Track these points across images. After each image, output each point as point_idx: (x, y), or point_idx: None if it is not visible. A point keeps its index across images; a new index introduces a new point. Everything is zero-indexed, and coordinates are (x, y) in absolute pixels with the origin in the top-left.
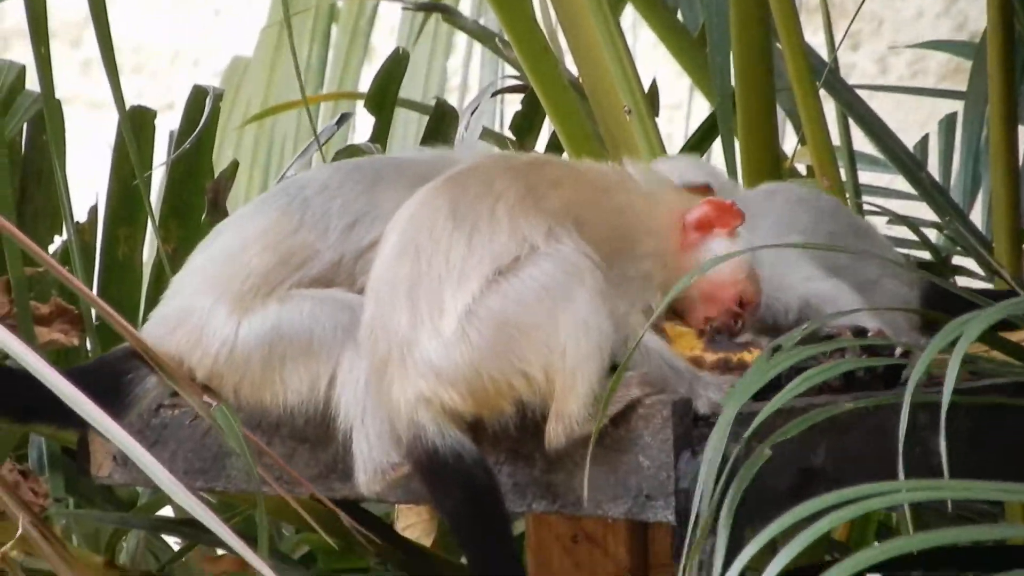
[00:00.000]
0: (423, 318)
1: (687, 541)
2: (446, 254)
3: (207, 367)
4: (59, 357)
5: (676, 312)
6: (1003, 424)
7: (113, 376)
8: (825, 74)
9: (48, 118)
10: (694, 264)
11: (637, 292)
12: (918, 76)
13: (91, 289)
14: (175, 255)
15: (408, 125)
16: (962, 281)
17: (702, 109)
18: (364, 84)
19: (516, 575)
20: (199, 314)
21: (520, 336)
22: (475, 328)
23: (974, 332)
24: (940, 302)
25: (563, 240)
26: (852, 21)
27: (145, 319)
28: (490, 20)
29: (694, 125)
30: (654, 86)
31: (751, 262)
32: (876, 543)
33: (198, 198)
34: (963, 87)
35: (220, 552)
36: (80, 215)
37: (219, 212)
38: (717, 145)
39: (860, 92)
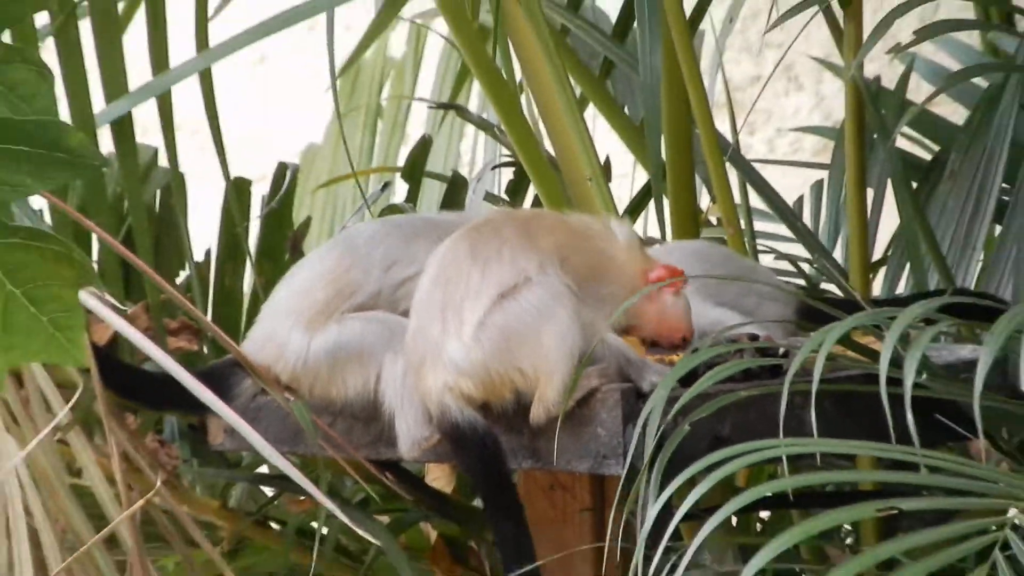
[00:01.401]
0: (449, 329)
1: (631, 487)
2: (466, 283)
3: (288, 372)
4: (184, 360)
5: (638, 341)
6: (855, 403)
7: (222, 377)
8: (729, 152)
9: (174, 186)
10: (649, 305)
11: (602, 309)
12: (797, 153)
13: (206, 312)
14: (266, 286)
15: (432, 190)
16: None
17: (641, 177)
18: (400, 160)
19: (515, 510)
20: (281, 334)
21: (517, 343)
22: (485, 336)
23: (834, 337)
24: (812, 317)
25: (549, 272)
26: (748, 113)
27: (245, 334)
28: (490, 115)
29: (636, 189)
30: (607, 160)
31: (690, 313)
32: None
33: (282, 244)
34: (828, 161)
35: (301, 497)
36: (198, 256)
37: (297, 254)
38: (652, 203)
39: (756, 164)
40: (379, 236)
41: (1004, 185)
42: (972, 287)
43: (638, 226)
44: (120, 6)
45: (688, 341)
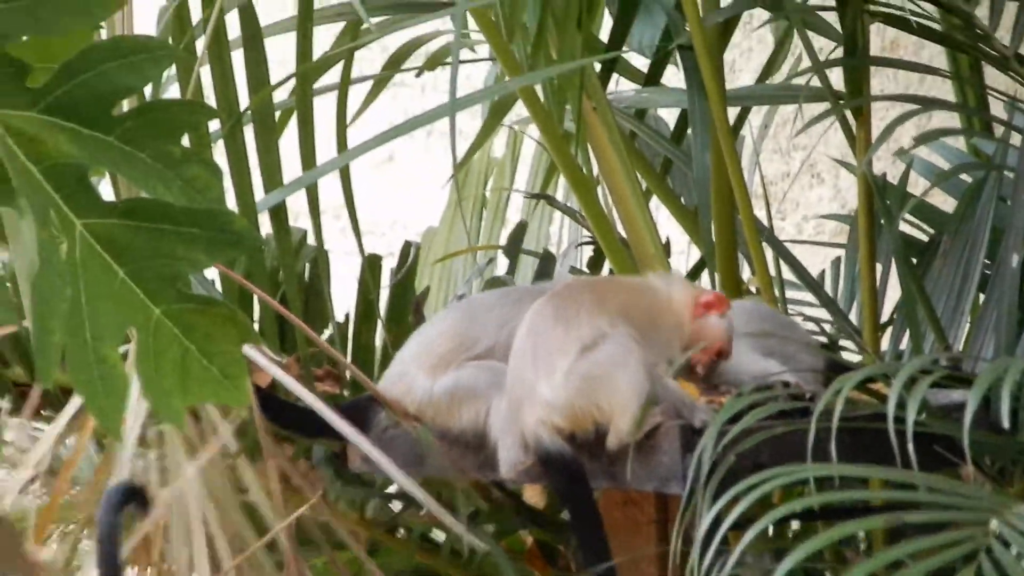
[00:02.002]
0: (540, 374)
1: (689, 503)
2: (553, 337)
3: (415, 407)
4: (327, 400)
5: (693, 387)
6: (867, 436)
7: (360, 411)
8: (766, 234)
9: (320, 261)
10: (698, 331)
11: (663, 352)
12: (819, 235)
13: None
14: (394, 342)
15: (527, 265)
16: (845, 355)
17: (695, 254)
18: (502, 240)
19: (595, 521)
20: (410, 377)
21: (596, 385)
22: (571, 381)
23: (851, 384)
24: (834, 368)
25: (619, 328)
26: (780, 203)
27: (378, 379)
28: (573, 203)
29: (691, 263)
30: (668, 240)
31: (731, 333)
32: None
33: (407, 308)
34: (844, 241)
35: (423, 511)
36: (339, 318)
37: (419, 316)
38: (704, 275)
39: (787, 244)
40: (493, 302)
41: (986, 261)
42: (961, 345)
43: None
44: (276, 115)
45: (724, 354)
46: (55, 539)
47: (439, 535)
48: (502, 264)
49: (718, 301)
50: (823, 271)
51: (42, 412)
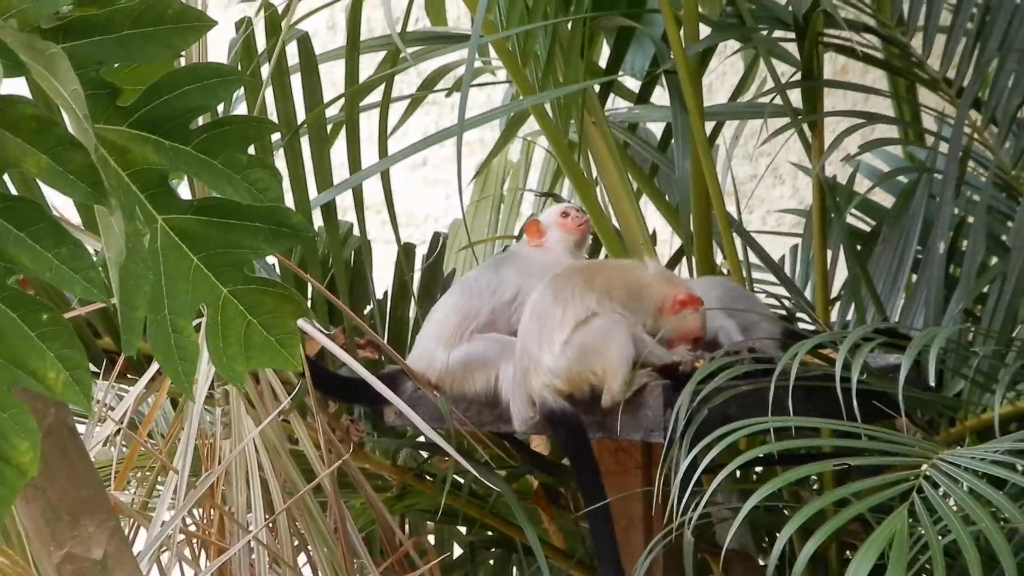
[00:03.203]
0: (544, 346)
1: (670, 450)
2: (553, 315)
3: (435, 376)
4: (368, 365)
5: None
6: (819, 394)
7: (393, 379)
8: (735, 225)
9: (363, 249)
10: (678, 325)
11: (642, 318)
12: (781, 227)
13: (383, 335)
14: (424, 315)
15: None
16: (801, 325)
17: (676, 242)
18: (515, 231)
19: (591, 466)
20: (429, 353)
21: (591, 354)
22: (569, 350)
23: (805, 349)
24: (790, 335)
25: (606, 306)
26: (748, 200)
27: (410, 346)
28: (576, 200)
29: (674, 249)
30: (654, 231)
31: (704, 322)
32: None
33: (436, 288)
34: (801, 231)
35: (446, 458)
36: (379, 295)
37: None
38: (684, 259)
39: (753, 234)
40: (480, 274)
41: (918, 248)
42: (897, 316)
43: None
44: (328, 128)
45: (700, 340)
46: (134, 484)
47: (460, 479)
48: None
49: (691, 300)
50: (783, 256)
51: (127, 375)
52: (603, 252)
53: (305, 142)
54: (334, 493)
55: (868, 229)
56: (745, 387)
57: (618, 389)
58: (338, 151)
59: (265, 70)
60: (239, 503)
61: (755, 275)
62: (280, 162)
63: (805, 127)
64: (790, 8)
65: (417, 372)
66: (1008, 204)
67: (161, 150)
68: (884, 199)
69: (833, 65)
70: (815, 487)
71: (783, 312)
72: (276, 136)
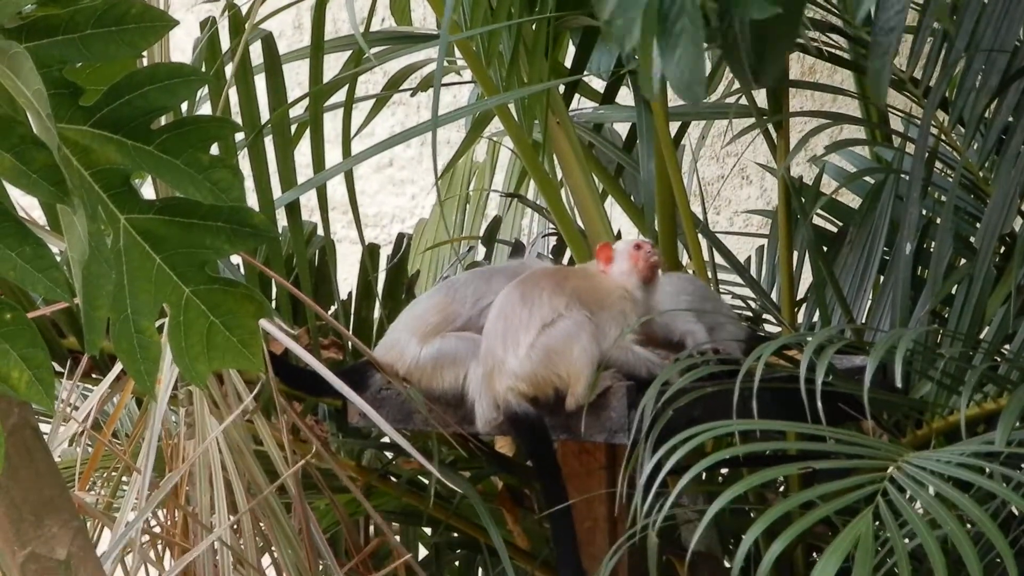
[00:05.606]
0: (509, 348)
1: (634, 452)
2: (519, 317)
3: (405, 370)
4: (331, 365)
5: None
6: (784, 395)
7: (359, 374)
8: (701, 226)
9: (328, 249)
10: (643, 289)
11: (616, 321)
12: (747, 227)
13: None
14: (389, 316)
15: (502, 252)
16: (767, 327)
17: None
18: (481, 231)
19: (554, 468)
20: (401, 344)
21: (555, 356)
22: (534, 353)
23: (770, 350)
24: (755, 337)
25: (573, 308)
26: (714, 200)
27: (374, 348)
28: (541, 201)
29: None
30: (619, 232)
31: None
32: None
33: (401, 288)
34: (768, 232)
35: (410, 459)
36: (343, 296)
37: (410, 295)
38: None
39: (719, 234)
40: (469, 280)
41: (885, 249)
42: (863, 318)
43: None
44: (292, 128)
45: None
46: (98, 484)
47: (425, 480)
48: (480, 252)
49: (602, 249)
50: (749, 257)
51: (92, 375)
52: (567, 253)
53: (269, 142)
54: (298, 494)
55: (835, 230)
56: (710, 389)
57: (582, 393)
58: (303, 152)
59: (229, 70)
60: (203, 504)
61: (721, 276)
62: (244, 162)
63: (771, 127)
64: None
65: (386, 363)
66: (975, 205)
67: (123, 150)
68: (851, 200)
69: (801, 65)
70: (781, 489)
71: (749, 314)
72: (240, 136)
